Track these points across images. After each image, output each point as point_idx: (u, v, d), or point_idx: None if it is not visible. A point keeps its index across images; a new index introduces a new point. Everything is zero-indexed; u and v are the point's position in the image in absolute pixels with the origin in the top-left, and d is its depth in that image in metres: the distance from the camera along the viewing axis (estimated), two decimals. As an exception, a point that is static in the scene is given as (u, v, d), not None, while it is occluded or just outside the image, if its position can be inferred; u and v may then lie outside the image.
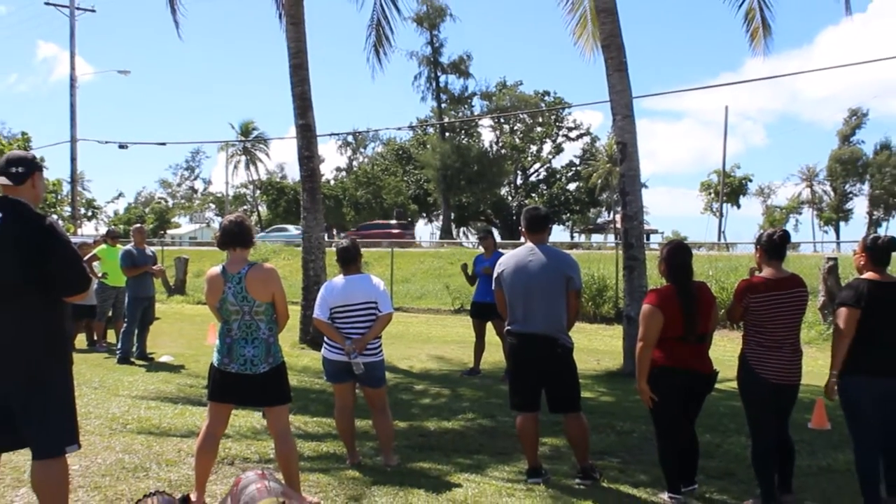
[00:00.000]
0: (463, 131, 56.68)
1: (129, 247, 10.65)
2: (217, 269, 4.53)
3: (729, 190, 57.74)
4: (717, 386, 5.10)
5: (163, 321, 14.61)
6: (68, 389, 3.78)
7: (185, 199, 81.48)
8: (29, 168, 3.77)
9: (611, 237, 53.55)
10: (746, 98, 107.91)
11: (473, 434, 6.73)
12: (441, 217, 54.86)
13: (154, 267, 10.76)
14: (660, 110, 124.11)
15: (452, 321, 17.31)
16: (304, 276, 12.48)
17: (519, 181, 63.36)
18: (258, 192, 65.71)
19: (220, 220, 5.28)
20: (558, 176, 63.13)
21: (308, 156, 12.59)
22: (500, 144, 59.61)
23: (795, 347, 4.86)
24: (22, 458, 4.64)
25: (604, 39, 10.66)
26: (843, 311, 4.63)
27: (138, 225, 11.58)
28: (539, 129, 61.95)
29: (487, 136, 59.50)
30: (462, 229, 61.18)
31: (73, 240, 4.02)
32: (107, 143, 32.40)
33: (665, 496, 4.89)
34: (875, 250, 4.72)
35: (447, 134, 54.08)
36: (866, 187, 68.88)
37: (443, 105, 54.22)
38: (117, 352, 10.46)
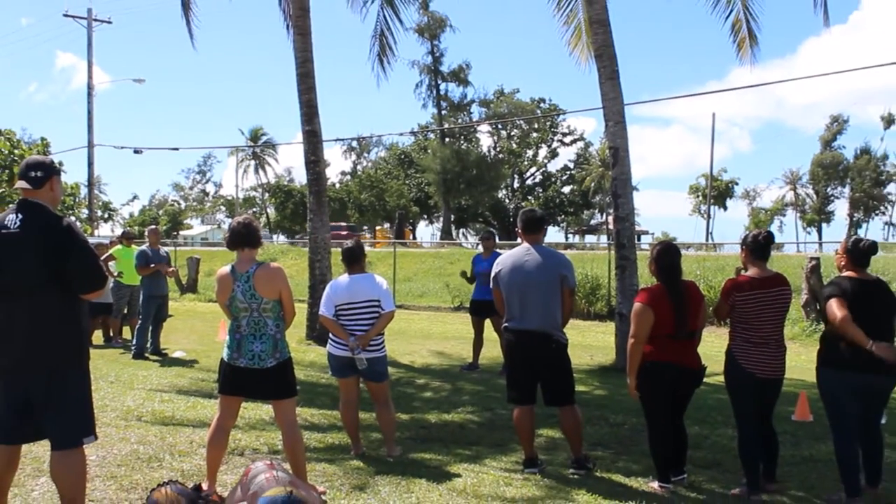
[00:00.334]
0: (462, 137, 56.64)
1: (144, 247, 10.66)
2: (227, 268, 4.53)
3: (716, 193, 57.77)
4: (705, 380, 5.09)
5: (176, 318, 14.59)
6: (86, 383, 3.78)
7: (196, 201, 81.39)
8: (47, 172, 3.77)
9: (603, 238, 53.53)
10: (733, 105, 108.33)
11: (472, 426, 6.72)
12: (441, 219, 54.85)
13: (168, 267, 10.79)
14: (650, 117, 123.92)
15: (452, 318, 17.28)
16: (311, 276, 12.46)
17: (516, 184, 63.37)
18: (267, 195, 65.72)
19: (229, 222, 5.28)
20: (553, 179, 63.15)
21: (314, 160, 12.57)
22: (498, 149, 59.57)
23: (780, 343, 4.86)
24: (41, 449, 4.64)
25: (597, 49, 10.65)
26: (832, 301, 4.60)
27: (153, 226, 11.58)
28: (535, 134, 61.97)
29: (486, 141, 59.57)
30: (461, 230, 61.16)
31: (90, 241, 4.01)
32: (122, 148, 32.51)
33: (655, 485, 4.89)
34: (855, 252, 4.72)
35: (447, 139, 54.06)
36: (847, 190, 68.86)
37: (443, 112, 54.21)
38: (132, 347, 10.46)
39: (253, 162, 67.52)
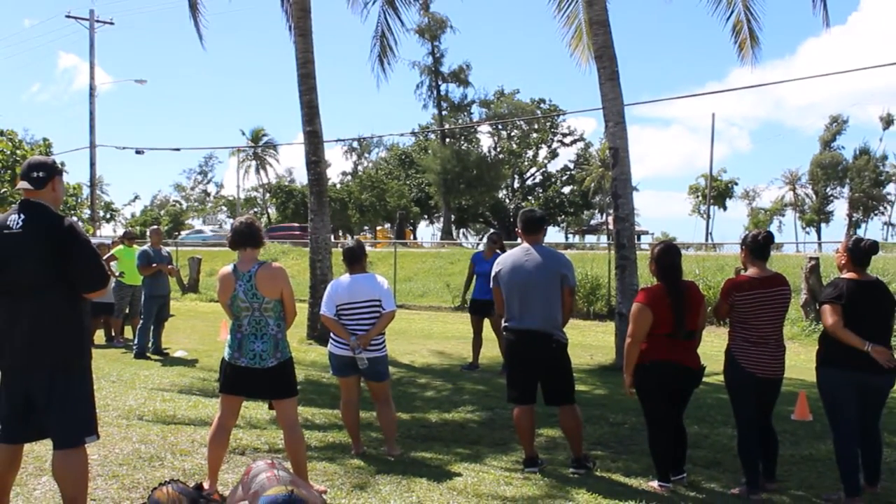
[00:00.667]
0: (462, 137, 56.59)
1: (145, 247, 10.68)
2: (229, 268, 4.53)
3: (716, 193, 57.69)
4: (704, 379, 5.09)
5: (177, 318, 14.59)
6: (88, 383, 3.78)
7: (198, 202, 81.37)
8: (49, 173, 3.77)
9: (603, 238, 53.49)
10: (732, 105, 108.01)
11: (473, 425, 6.72)
12: (442, 219, 54.80)
13: (169, 267, 10.81)
14: (650, 117, 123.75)
15: (453, 318, 17.28)
16: (312, 275, 12.47)
17: (516, 185, 63.33)
18: (268, 195, 65.67)
19: (231, 222, 5.28)
20: (553, 180, 63.09)
21: (315, 161, 12.57)
22: (498, 150, 59.53)
23: (779, 343, 4.87)
24: (43, 448, 4.64)
25: (597, 50, 10.66)
26: (825, 307, 4.63)
27: (154, 227, 11.59)
28: (535, 135, 61.89)
29: (486, 141, 59.49)
30: (462, 230, 61.13)
31: (92, 241, 4.01)
32: (124, 148, 32.71)
33: (655, 484, 4.89)
34: (856, 252, 4.72)
35: (447, 140, 54.03)
36: (846, 190, 68.79)
37: (443, 112, 54.15)
38: (134, 347, 10.46)
39: (254, 162, 67.44)
